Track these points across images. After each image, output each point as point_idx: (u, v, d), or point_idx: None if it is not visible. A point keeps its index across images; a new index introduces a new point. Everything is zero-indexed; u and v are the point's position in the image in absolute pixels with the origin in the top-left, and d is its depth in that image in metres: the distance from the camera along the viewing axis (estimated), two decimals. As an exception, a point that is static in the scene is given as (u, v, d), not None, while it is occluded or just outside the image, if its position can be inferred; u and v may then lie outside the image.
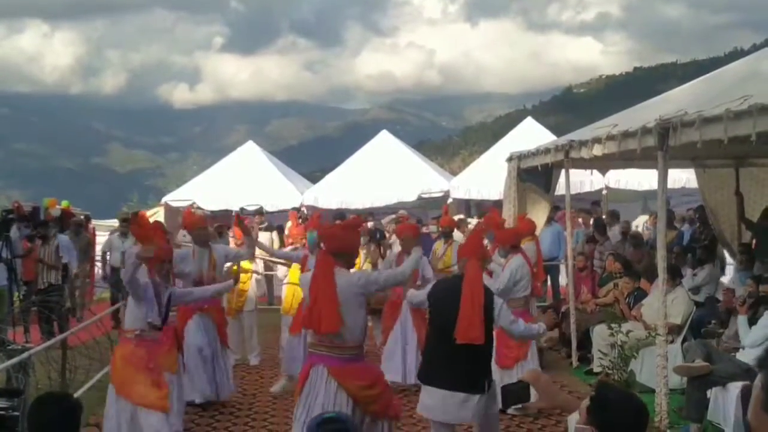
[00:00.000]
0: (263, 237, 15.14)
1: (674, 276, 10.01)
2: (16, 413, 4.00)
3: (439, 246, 12.80)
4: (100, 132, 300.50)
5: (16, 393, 4.50)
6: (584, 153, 9.84)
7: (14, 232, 13.49)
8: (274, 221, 18.52)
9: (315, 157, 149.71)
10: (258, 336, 12.33)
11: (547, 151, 11.29)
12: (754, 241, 12.65)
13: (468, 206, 20.18)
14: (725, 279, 13.46)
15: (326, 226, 7.54)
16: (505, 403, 3.58)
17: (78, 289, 16.86)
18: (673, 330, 9.60)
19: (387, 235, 17.20)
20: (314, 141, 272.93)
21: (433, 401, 6.23)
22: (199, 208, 19.69)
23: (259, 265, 13.67)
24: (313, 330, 6.08)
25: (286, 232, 16.74)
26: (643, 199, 18.66)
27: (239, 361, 11.92)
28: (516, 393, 3.53)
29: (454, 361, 6.08)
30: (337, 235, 6.33)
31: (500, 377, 8.37)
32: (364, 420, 6.09)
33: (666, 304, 8.42)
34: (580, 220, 16.69)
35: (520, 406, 6.84)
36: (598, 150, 9.33)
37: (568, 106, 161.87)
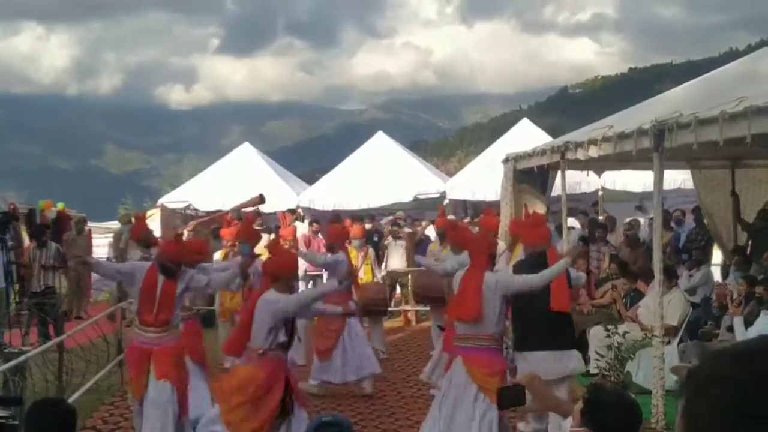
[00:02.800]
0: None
1: (670, 277, 10.03)
2: (15, 422, 3.99)
3: (434, 247, 12.81)
4: (96, 133, 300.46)
5: (16, 401, 4.48)
6: (580, 154, 9.86)
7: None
8: (270, 223, 18.50)
9: (311, 158, 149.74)
10: None
11: (543, 152, 11.30)
12: (750, 242, 12.68)
13: (464, 207, 20.18)
14: (717, 279, 13.48)
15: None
16: (500, 405, 3.57)
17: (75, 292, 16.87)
18: (670, 331, 9.62)
19: (384, 235, 17.24)
20: (310, 141, 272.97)
21: (530, 364, 7.17)
22: (195, 210, 19.70)
23: None
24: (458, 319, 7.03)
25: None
26: (639, 200, 18.65)
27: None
28: (512, 395, 3.52)
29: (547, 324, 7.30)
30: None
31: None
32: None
33: (662, 305, 8.44)
34: (576, 221, 16.68)
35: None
36: (594, 151, 9.35)
37: (563, 106, 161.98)
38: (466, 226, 12.63)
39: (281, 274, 7.04)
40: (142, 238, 10.32)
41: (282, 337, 6.90)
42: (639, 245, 14.08)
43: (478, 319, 6.83)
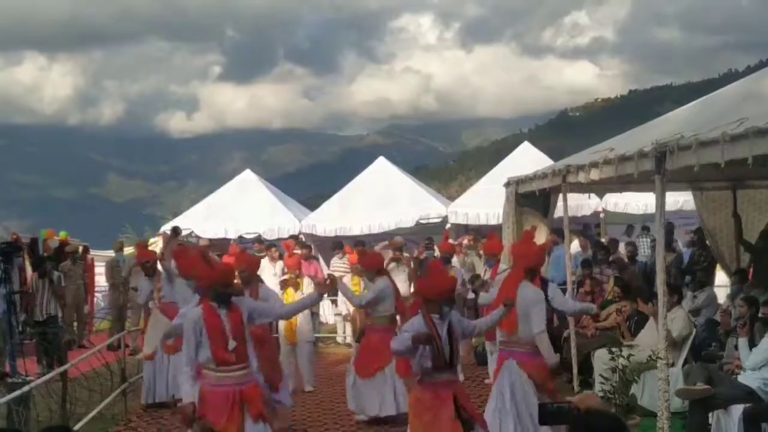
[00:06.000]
0: (265, 266, 15.15)
1: (672, 293, 9.99)
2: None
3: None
4: (97, 162, 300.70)
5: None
6: (582, 177, 9.86)
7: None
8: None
9: (312, 184, 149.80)
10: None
11: (544, 175, 11.30)
12: (752, 263, 12.64)
13: (467, 231, 20.19)
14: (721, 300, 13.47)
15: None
16: (545, 421, 3.52)
17: (76, 321, 16.86)
18: (671, 344, 9.57)
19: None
20: (311, 167, 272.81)
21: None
22: (197, 237, 19.70)
23: None
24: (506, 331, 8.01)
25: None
26: (641, 221, 18.69)
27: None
28: (560, 415, 3.48)
29: None
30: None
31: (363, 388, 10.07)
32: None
33: (666, 323, 8.41)
34: (577, 242, 16.67)
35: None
36: (595, 174, 9.35)
37: (564, 129, 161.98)
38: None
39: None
40: (147, 264, 11.02)
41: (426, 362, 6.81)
42: (627, 267, 14.15)
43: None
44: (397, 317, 10.50)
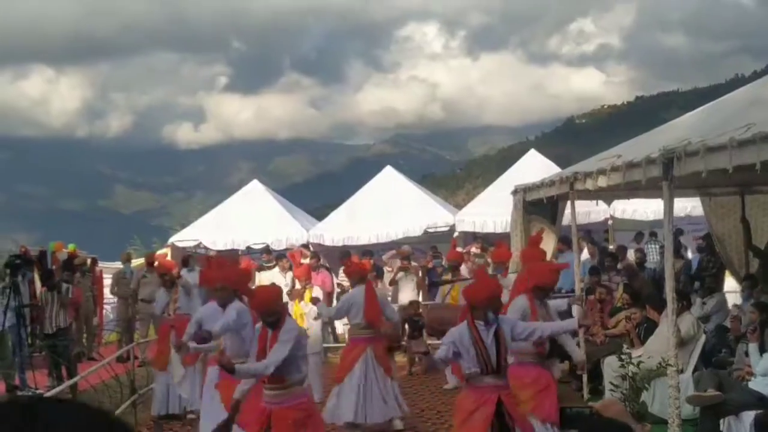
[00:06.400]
0: (275, 277, 15.15)
1: (681, 299, 9.96)
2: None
3: (447, 279, 12.80)
4: (105, 174, 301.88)
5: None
6: (589, 184, 9.85)
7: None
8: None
9: (319, 194, 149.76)
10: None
11: (551, 183, 11.30)
12: (761, 269, 12.60)
13: (474, 239, 20.18)
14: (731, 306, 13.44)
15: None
16: (563, 425, 3.53)
17: (85, 333, 16.87)
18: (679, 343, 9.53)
19: (389, 269, 17.17)
20: (318, 177, 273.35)
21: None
22: (205, 248, 19.73)
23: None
24: None
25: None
26: (650, 227, 18.67)
27: None
28: (579, 420, 3.48)
29: None
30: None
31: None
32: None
33: (676, 328, 8.39)
34: (586, 249, 16.66)
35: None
36: (602, 181, 9.34)
37: (570, 136, 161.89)
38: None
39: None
40: (166, 276, 11.10)
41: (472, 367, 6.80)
42: (637, 273, 14.12)
43: None
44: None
